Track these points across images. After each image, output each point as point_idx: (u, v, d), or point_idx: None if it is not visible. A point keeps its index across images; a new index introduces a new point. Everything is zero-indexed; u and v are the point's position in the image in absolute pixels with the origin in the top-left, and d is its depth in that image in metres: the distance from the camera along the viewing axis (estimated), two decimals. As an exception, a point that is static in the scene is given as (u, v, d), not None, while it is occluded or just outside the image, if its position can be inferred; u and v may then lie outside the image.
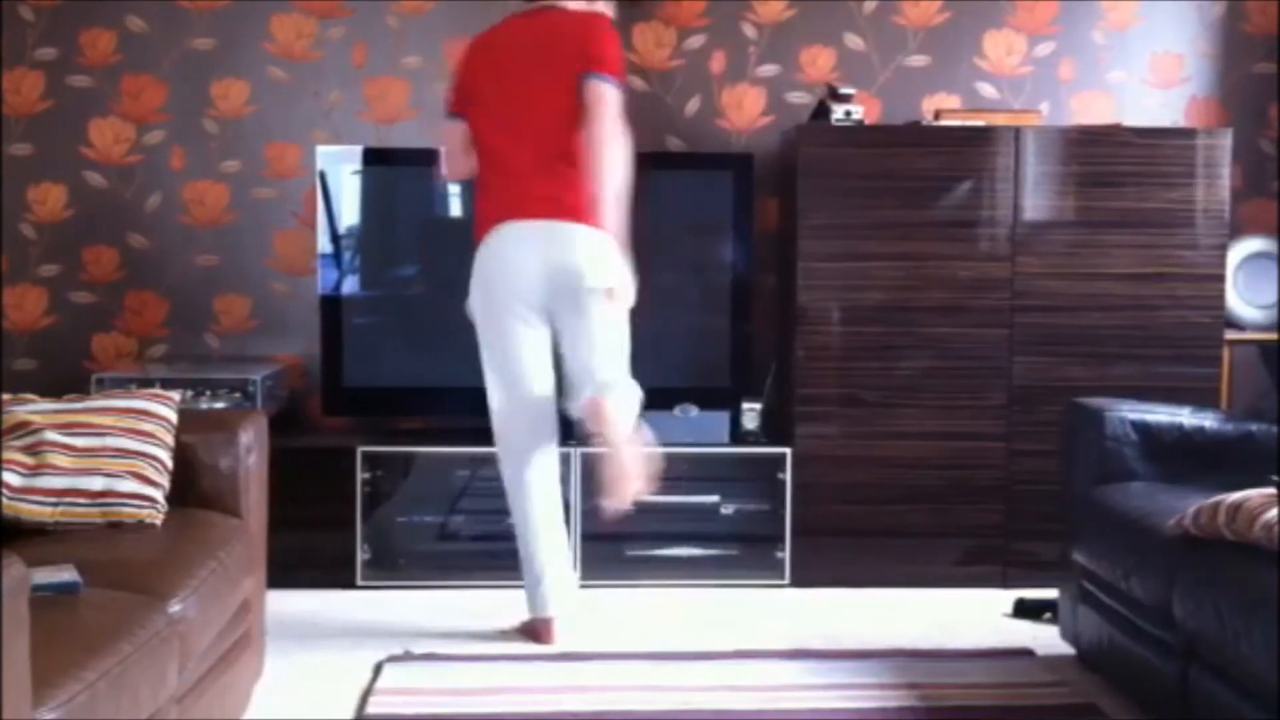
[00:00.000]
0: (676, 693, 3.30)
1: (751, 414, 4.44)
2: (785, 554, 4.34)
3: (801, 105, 4.69)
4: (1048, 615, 3.92)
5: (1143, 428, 3.50)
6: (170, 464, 3.11)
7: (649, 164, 4.45)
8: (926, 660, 3.58)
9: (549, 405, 3.73)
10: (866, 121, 4.43)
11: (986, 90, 4.79)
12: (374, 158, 4.49)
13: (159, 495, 3.04)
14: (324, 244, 4.43)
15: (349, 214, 4.47)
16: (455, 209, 4.64)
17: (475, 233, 3.69)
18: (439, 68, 4.70)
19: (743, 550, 4.42)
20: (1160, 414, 3.54)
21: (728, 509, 4.46)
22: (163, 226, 4.71)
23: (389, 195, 4.55)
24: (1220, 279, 4.37)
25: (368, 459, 4.29)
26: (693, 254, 4.61)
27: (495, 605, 4.08)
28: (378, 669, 3.48)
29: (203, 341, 4.74)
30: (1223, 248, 4.37)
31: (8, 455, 2.97)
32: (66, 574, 2.46)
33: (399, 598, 4.18)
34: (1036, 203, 4.32)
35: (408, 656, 3.58)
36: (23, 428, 3.05)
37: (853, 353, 4.32)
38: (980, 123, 4.37)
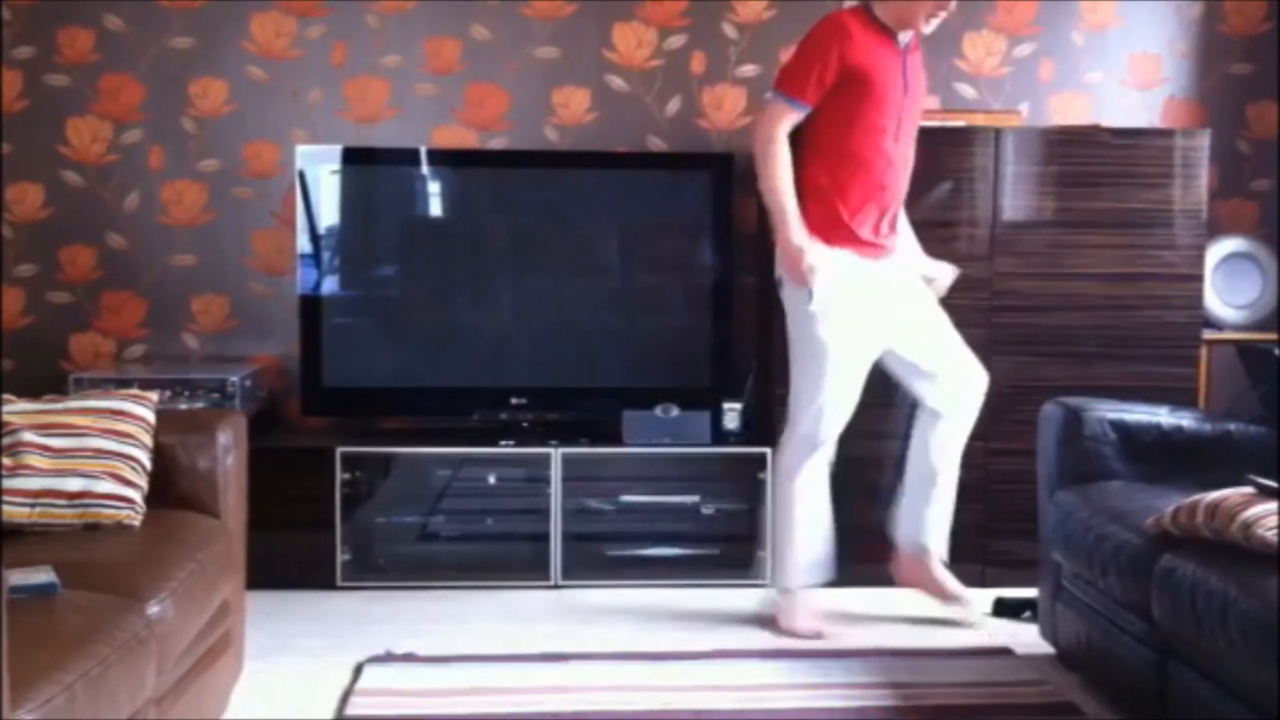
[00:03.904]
0: (657, 693, 3.30)
1: (732, 414, 4.44)
2: (766, 553, 4.33)
3: (781, 105, 4.69)
4: (1027, 614, 3.94)
5: (1121, 427, 3.52)
6: (148, 465, 3.10)
7: (630, 163, 4.46)
8: (906, 659, 3.59)
9: None
10: (846, 122, 4.44)
11: (966, 91, 4.81)
12: (353, 157, 4.48)
13: (137, 496, 3.02)
14: (303, 244, 4.42)
15: (328, 213, 4.45)
16: (434, 209, 4.64)
17: None
18: (419, 67, 4.69)
19: (723, 550, 4.42)
20: (1138, 413, 3.55)
21: (708, 509, 4.46)
22: (141, 226, 4.69)
23: (368, 195, 4.54)
24: (1198, 279, 4.39)
25: (347, 459, 4.28)
26: (673, 254, 4.61)
27: (476, 606, 4.09)
28: (358, 670, 3.47)
29: (181, 342, 4.72)
30: (1200, 248, 4.39)
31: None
32: (44, 576, 2.45)
33: (379, 599, 4.17)
34: (1015, 203, 4.33)
35: (388, 657, 3.57)
36: (-1, 428, 3.04)
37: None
38: (960, 123, 4.39)
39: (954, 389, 3.89)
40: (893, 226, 3.83)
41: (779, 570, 3.94)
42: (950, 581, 3.98)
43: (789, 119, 3.70)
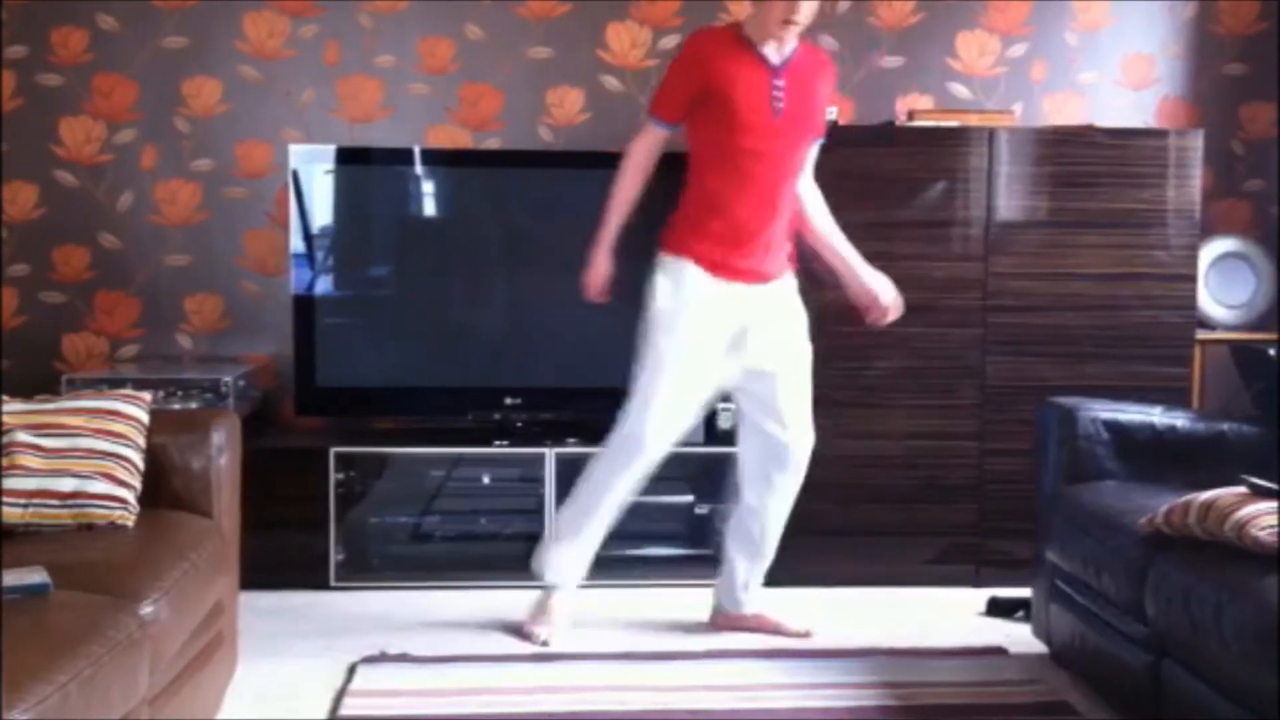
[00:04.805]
0: (651, 693, 3.30)
1: (726, 414, 4.43)
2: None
3: (775, 105, 4.70)
4: (1020, 614, 3.94)
5: (1115, 427, 3.52)
6: (141, 465, 3.09)
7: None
8: (900, 659, 3.59)
9: None
10: (840, 122, 4.44)
11: (960, 91, 4.81)
12: (347, 157, 4.47)
13: (130, 496, 3.02)
14: (296, 243, 4.41)
15: (321, 213, 4.45)
16: (428, 208, 4.63)
17: None
18: (413, 66, 4.69)
19: (717, 550, 4.41)
20: (1132, 413, 3.56)
21: (702, 509, 4.47)
22: (134, 226, 4.68)
23: (362, 194, 4.53)
24: (1191, 279, 4.39)
25: (341, 459, 4.28)
26: (667, 254, 4.60)
27: (470, 606, 4.08)
28: (351, 670, 3.47)
29: (174, 341, 4.71)
30: (1194, 248, 4.39)
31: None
32: (36, 576, 2.45)
33: (373, 599, 4.17)
34: (1010, 203, 4.33)
35: (382, 658, 3.57)
36: (-8, 428, 3.03)
37: (827, 352, 4.30)
38: (954, 123, 4.39)
39: (795, 441, 3.76)
40: (767, 251, 3.65)
41: (553, 563, 3.80)
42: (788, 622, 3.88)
43: (653, 136, 3.69)
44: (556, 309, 4.51)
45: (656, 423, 3.63)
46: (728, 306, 3.63)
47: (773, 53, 3.58)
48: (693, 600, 4.18)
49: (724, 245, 3.61)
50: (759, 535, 3.85)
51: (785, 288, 3.74)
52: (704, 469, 4.49)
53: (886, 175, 4.30)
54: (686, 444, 4.34)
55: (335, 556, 4.28)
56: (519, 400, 4.43)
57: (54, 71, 4.63)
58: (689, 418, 3.70)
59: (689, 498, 4.46)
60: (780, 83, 3.57)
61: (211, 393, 4.23)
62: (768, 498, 3.82)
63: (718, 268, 3.62)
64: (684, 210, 3.69)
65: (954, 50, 4.81)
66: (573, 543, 3.78)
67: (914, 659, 3.60)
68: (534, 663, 3.53)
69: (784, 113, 3.57)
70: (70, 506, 2.95)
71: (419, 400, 4.52)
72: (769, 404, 3.73)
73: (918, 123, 4.42)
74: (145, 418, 3.18)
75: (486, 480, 4.41)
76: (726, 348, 3.66)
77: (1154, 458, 3.50)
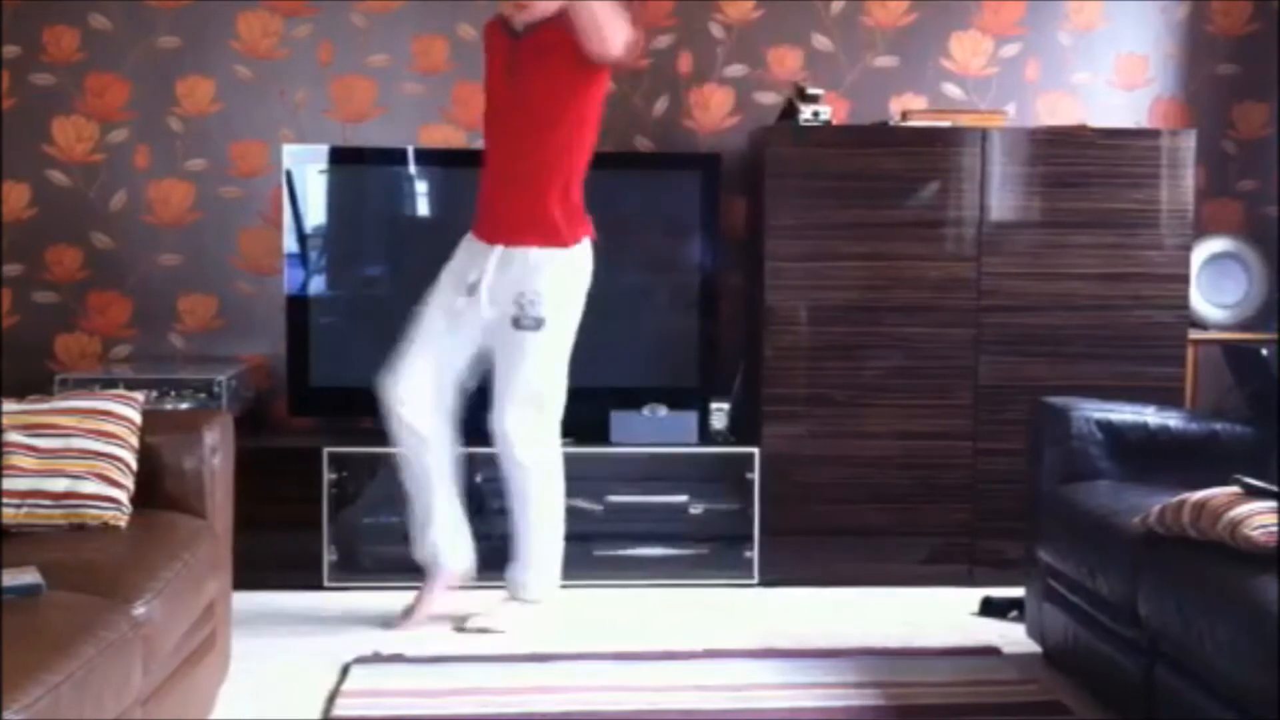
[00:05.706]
0: (645, 693, 3.30)
1: (720, 414, 4.44)
2: (754, 553, 4.34)
3: (769, 105, 4.70)
4: (1014, 613, 3.94)
5: (1108, 427, 3.52)
6: (134, 465, 3.09)
7: (616, 164, 4.44)
8: (894, 659, 3.59)
9: None
10: (834, 122, 4.44)
11: (953, 91, 4.81)
12: (340, 157, 4.47)
13: (123, 497, 3.01)
14: (290, 243, 4.41)
15: (315, 213, 4.45)
16: (422, 208, 4.63)
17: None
18: (406, 66, 4.69)
19: (711, 550, 4.42)
20: (1125, 413, 3.56)
21: (696, 509, 4.46)
22: (127, 226, 4.67)
23: (356, 194, 4.53)
24: (1184, 279, 4.40)
25: (334, 459, 4.27)
26: (660, 254, 4.61)
27: (464, 606, 4.08)
28: (345, 670, 3.47)
29: (167, 342, 4.70)
30: (1187, 248, 4.40)
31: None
32: (29, 576, 2.44)
33: (366, 599, 4.16)
34: (1003, 203, 4.34)
35: (375, 658, 3.57)
36: (-15, 429, 3.02)
37: (820, 352, 4.33)
38: (947, 123, 4.39)
39: (494, 414, 3.81)
40: (514, 214, 3.74)
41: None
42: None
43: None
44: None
45: (401, 372, 3.78)
46: (467, 261, 3.78)
47: (517, 24, 3.74)
48: (688, 600, 4.18)
49: (481, 206, 3.82)
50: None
51: (535, 258, 3.75)
52: (699, 469, 4.49)
53: (880, 175, 4.31)
54: (681, 444, 4.36)
55: (328, 556, 4.28)
56: (512, 400, 4.42)
57: (46, 71, 4.62)
58: (434, 369, 3.78)
59: (683, 498, 4.46)
60: (518, 54, 3.73)
61: (205, 393, 4.22)
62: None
63: (474, 228, 3.82)
64: None
65: (947, 50, 4.81)
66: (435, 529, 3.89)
67: (907, 659, 3.60)
68: (528, 663, 3.53)
69: (519, 81, 3.72)
70: (63, 507, 2.95)
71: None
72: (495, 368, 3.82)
73: (911, 123, 4.42)
74: (138, 418, 3.17)
75: (479, 480, 4.40)
76: (463, 297, 3.76)
77: (1147, 457, 3.50)
